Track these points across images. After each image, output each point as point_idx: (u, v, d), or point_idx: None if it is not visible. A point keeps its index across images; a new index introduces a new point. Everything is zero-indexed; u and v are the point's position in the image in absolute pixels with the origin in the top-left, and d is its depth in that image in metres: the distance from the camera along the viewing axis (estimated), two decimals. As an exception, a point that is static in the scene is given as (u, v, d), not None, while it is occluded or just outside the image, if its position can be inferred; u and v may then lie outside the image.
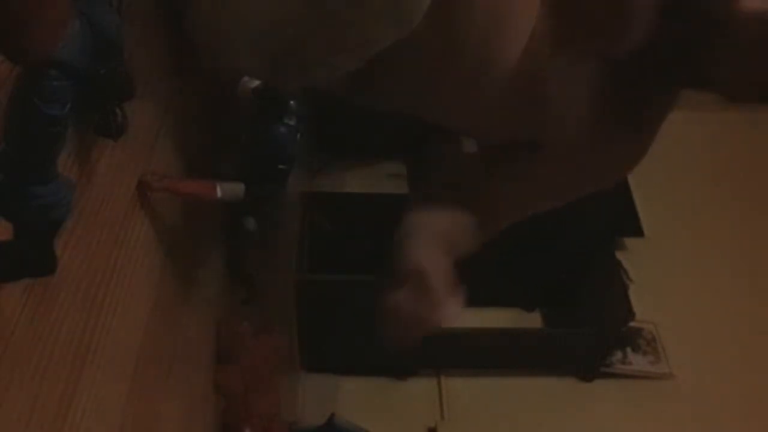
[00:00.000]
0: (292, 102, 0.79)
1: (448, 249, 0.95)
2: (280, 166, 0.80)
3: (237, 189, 0.79)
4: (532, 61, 0.76)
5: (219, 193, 0.78)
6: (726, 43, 0.74)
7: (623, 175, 0.91)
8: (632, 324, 2.10)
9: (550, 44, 0.76)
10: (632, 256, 2.34)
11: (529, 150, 0.87)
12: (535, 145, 0.86)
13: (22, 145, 0.48)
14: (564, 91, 0.79)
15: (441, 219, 0.96)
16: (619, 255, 2.27)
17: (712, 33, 0.75)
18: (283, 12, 0.77)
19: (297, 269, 1.86)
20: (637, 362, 2.21)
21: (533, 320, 2.36)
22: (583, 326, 2.18)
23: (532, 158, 0.87)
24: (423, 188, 1.01)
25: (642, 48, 0.75)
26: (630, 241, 2.41)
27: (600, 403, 2.13)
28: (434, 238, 0.94)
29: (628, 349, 2.21)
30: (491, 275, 2.27)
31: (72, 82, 0.49)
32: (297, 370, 1.90)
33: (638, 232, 2.39)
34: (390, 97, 0.89)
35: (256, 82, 0.86)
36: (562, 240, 2.16)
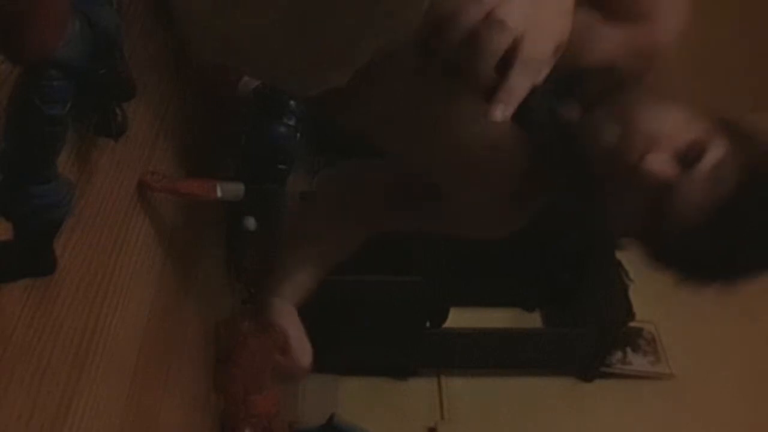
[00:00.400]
0: (292, 102, 0.79)
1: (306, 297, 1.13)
2: (280, 166, 0.80)
3: (237, 189, 0.79)
4: None
5: (219, 193, 0.78)
6: (618, 194, 0.87)
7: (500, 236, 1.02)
8: (632, 324, 2.10)
9: None
10: (632, 256, 2.34)
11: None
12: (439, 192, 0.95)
13: (22, 145, 0.48)
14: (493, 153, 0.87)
15: (304, 270, 1.12)
16: (619, 255, 2.27)
17: (608, 182, 0.87)
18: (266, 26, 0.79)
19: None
20: (637, 362, 2.21)
21: (533, 320, 2.36)
22: (583, 326, 2.18)
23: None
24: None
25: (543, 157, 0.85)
26: (630, 242, 2.41)
27: (600, 403, 2.13)
28: (297, 293, 1.11)
29: (628, 349, 2.21)
30: (491, 275, 2.27)
31: (72, 82, 0.49)
32: (297, 370, 1.90)
33: (638, 232, 2.39)
34: (368, 117, 0.92)
35: (256, 82, 0.86)
36: (563, 240, 2.16)
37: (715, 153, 0.85)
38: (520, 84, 0.60)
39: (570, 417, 2.09)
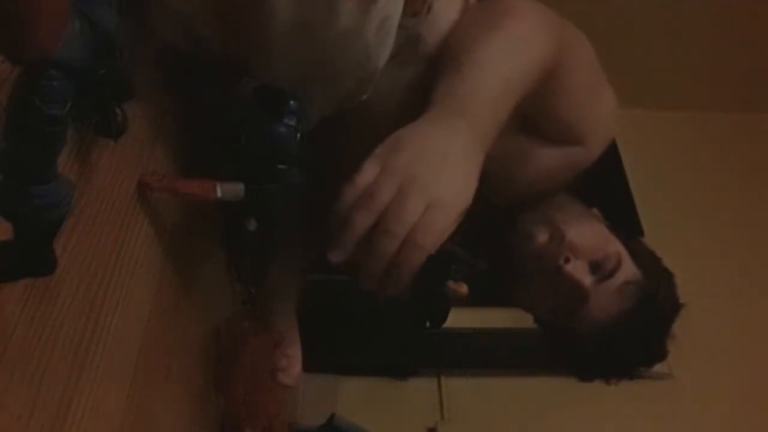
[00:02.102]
0: (292, 102, 0.79)
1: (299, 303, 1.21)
2: (280, 166, 0.80)
3: (237, 189, 0.79)
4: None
5: (219, 193, 0.78)
6: (539, 288, 1.04)
7: None
8: (632, 324, 2.10)
9: None
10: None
11: None
12: None
13: (22, 145, 0.48)
14: None
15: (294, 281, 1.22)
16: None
17: (532, 277, 1.03)
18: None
19: (297, 269, 1.86)
20: (637, 362, 2.20)
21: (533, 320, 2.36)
22: (583, 326, 2.18)
23: None
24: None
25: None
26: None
27: (600, 403, 2.13)
28: (292, 301, 1.19)
29: (628, 349, 2.21)
30: (491, 275, 2.27)
31: (72, 82, 0.49)
32: (297, 370, 1.89)
33: (638, 231, 2.39)
34: (359, 142, 0.98)
35: (257, 82, 0.86)
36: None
37: (625, 272, 1.00)
38: (404, 271, 0.65)
39: (570, 417, 2.09)
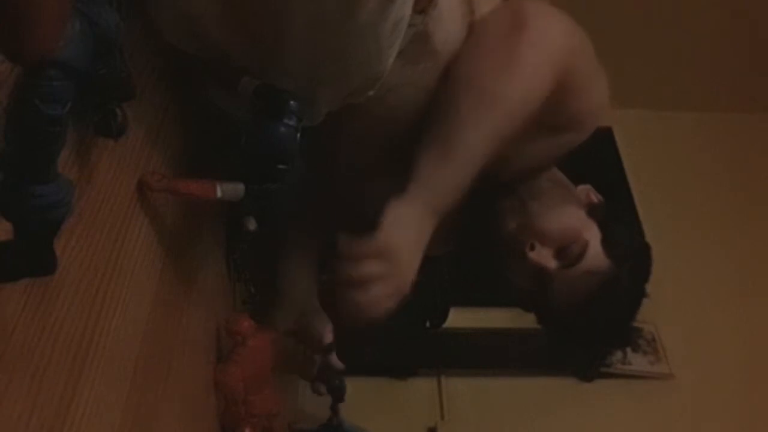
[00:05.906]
0: (292, 102, 0.79)
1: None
2: (280, 166, 0.80)
3: (237, 189, 0.79)
4: None
5: (219, 193, 0.78)
6: (511, 270, 1.11)
7: None
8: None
9: None
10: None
11: None
12: None
13: (22, 145, 0.48)
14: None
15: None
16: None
17: (504, 258, 1.10)
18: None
19: (297, 269, 1.86)
20: (637, 362, 2.21)
21: (533, 320, 2.35)
22: (583, 326, 2.18)
23: None
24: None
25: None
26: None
27: (600, 403, 2.13)
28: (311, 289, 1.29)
29: (628, 349, 2.21)
30: (491, 275, 2.27)
31: (72, 82, 0.49)
32: (297, 370, 1.89)
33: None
34: (355, 143, 1.03)
35: (257, 82, 0.86)
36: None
37: (589, 262, 1.03)
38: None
39: (570, 417, 2.09)
